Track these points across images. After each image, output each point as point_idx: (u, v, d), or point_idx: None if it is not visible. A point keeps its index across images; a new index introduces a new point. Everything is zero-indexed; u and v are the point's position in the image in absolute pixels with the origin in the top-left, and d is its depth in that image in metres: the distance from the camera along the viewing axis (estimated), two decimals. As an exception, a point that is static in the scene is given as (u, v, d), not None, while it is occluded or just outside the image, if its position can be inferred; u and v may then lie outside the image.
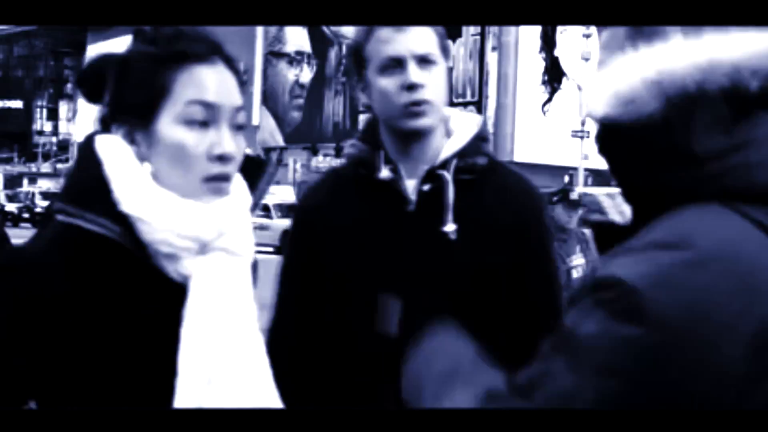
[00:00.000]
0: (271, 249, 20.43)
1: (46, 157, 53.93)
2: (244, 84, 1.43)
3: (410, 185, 1.90)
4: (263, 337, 1.43)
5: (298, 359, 1.96)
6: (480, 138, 1.94)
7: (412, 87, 1.84)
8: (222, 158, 1.32)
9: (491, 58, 32.53)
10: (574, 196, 5.43)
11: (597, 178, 25.63)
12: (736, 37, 0.89)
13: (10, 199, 41.01)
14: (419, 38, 1.85)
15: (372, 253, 1.90)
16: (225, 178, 1.34)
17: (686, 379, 0.80)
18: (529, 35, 28.78)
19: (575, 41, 23.18)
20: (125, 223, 1.30)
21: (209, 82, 1.33)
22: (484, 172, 1.91)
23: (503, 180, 1.94)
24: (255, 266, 1.49)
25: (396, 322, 1.83)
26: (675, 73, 0.89)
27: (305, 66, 40.67)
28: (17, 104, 59.28)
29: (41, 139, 56.16)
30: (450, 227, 1.85)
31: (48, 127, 57.61)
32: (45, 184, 45.08)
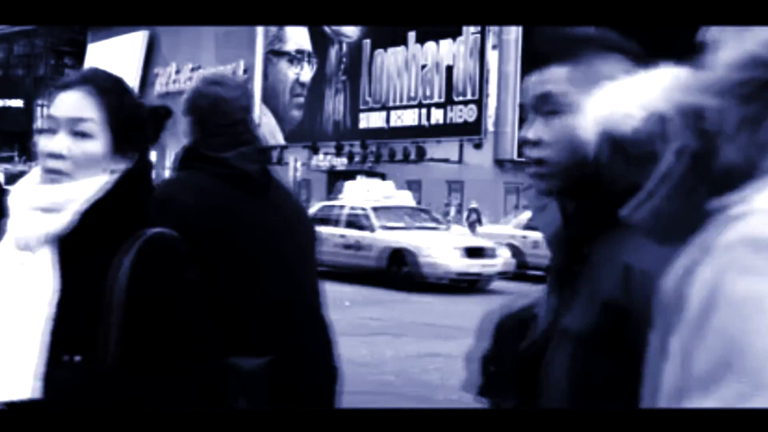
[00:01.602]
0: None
1: (47, 155, 53.84)
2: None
3: None
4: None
5: None
6: None
7: None
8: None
9: (492, 56, 32.51)
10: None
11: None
12: None
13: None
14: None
15: None
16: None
17: None
18: (530, 33, 28.77)
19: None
20: None
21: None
22: None
23: None
24: None
25: None
26: None
27: (305, 64, 40.66)
28: (18, 103, 59.25)
29: (42, 138, 56.14)
30: None
31: (48, 125, 57.48)
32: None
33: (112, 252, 1.64)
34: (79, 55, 54.72)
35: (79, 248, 1.65)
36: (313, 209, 19.39)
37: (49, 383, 1.52)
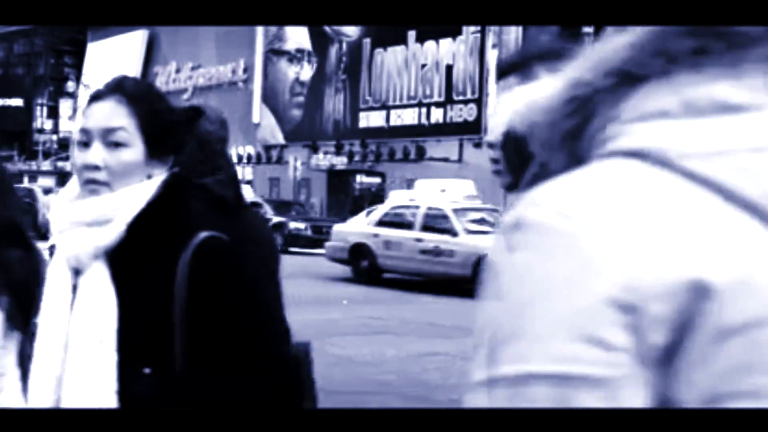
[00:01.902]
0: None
1: (47, 155, 53.92)
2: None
3: None
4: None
5: None
6: None
7: None
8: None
9: (491, 55, 32.51)
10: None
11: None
12: None
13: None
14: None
15: None
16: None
17: None
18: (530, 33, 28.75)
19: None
20: None
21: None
22: None
23: None
24: None
25: None
26: None
27: (305, 64, 40.65)
28: (18, 102, 59.22)
29: (42, 137, 56.15)
30: None
31: (48, 125, 57.48)
32: (45, 182, 45.10)
33: (165, 258, 1.64)
34: (79, 55, 54.72)
35: (132, 258, 1.64)
36: (383, 209, 17.91)
37: (128, 396, 1.53)
